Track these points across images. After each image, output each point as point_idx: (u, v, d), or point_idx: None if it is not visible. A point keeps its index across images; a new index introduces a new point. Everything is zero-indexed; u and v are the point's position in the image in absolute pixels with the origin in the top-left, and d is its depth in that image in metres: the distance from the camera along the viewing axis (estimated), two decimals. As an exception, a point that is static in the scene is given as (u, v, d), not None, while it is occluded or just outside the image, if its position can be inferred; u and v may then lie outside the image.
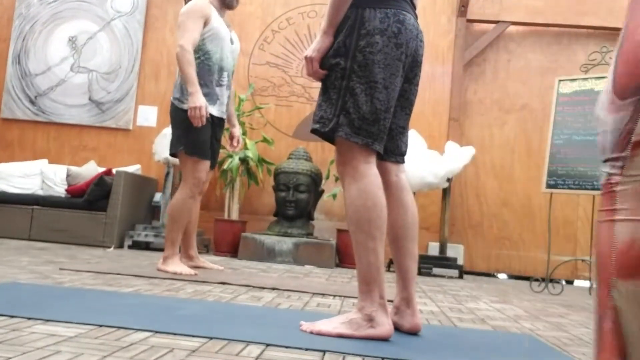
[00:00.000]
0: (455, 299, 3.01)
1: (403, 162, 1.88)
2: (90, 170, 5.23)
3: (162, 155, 4.82)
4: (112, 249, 4.65)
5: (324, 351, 1.41)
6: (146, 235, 4.82)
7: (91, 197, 4.85)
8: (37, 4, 5.86)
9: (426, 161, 4.59)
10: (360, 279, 1.63)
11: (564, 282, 4.56)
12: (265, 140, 5.25)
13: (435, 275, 4.71)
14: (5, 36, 5.90)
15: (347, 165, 1.68)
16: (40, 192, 5.27)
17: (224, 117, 3.28)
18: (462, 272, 4.68)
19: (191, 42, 3.01)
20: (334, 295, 2.64)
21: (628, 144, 0.86)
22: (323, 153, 5.44)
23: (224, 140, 4.01)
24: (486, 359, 1.50)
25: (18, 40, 5.84)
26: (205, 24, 3.09)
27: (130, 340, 1.34)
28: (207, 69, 3.11)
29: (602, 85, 4.10)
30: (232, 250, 4.83)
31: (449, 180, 4.73)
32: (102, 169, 5.27)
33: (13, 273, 2.49)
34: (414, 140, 4.56)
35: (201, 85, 3.03)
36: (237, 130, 3.53)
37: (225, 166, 4.88)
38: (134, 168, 5.38)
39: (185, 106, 3.03)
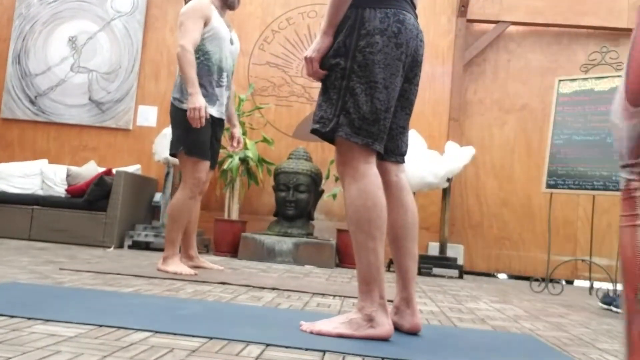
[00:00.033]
0: (455, 299, 3.01)
1: (403, 162, 1.88)
2: (90, 170, 5.23)
3: (162, 155, 4.82)
4: (112, 249, 4.65)
5: (324, 351, 1.41)
6: (146, 235, 4.82)
7: (91, 197, 4.85)
8: (37, 4, 5.87)
9: (426, 161, 4.59)
10: (360, 279, 1.63)
11: (564, 282, 4.56)
12: (265, 140, 5.25)
13: (435, 275, 4.71)
14: (5, 36, 5.91)
15: (347, 165, 1.68)
16: (40, 192, 5.27)
17: (224, 117, 3.28)
18: (462, 272, 4.68)
19: (192, 43, 3.01)
20: (334, 295, 2.64)
21: None
22: (323, 153, 5.44)
23: (224, 140, 4.01)
24: (486, 359, 1.50)
25: (18, 40, 5.84)
26: (206, 24, 3.09)
27: (130, 340, 1.34)
28: (207, 69, 3.10)
29: (602, 85, 4.10)
30: (232, 250, 4.83)
31: (449, 180, 4.73)
32: (102, 169, 5.27)
33: (13, 273, 2.49)
34: (414, 140, 4.56)
35: (201, 85, 3.03)
36: (238, 131, 3.53)
37: (225, 166, 4.88)
38: (134, 168, 5.38)
39: (185, 106, 3.03)
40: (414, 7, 1.79)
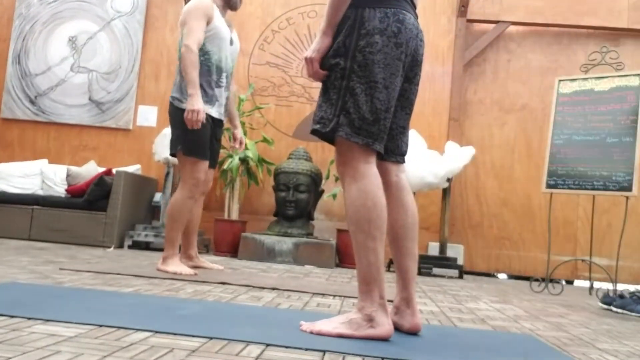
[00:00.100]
0: (455, 299, 3.01)
1: (403, 162, 1.88)
2: (90, 170, 5.23)
3: (162, 155, 4.82)
4: (112, 249, 4.65)
5: (324, 351, 1.41)
6: (146, 235, 4.82)
7: (91, 197, 4.85)
8: (37, 4, 5.87)
9: (426, 161, 4.59)
10: (360, 278, 1.63)
11: (564, 282, 4.56)
12: (265, 140, 5.25)
13: (435, 275, 4.71)
14: (5, 36, 5.91)
15: (347, 166, 1.68)
16: (40, 192, 5.27)
17: (223, 118, 3.28)
18: (462, 272, 4.68)
19: (197, 43, 2.99)
20: (334, 295, 2.64)
21: None
22: (323, 153, 5.44)
23: (224, 140, 4.01)
24: (486, 359, 1.50)
25: (18, 40, 5.84)
26: (208, 23, 3.08)
27: (130, 340, 1.34)
28: (206, 69, 3.10)
29: (602, 85, 4.10)
30: (232, 250, 4.83)
31: (449, 180, 4.73)
32: (102, 169, 5.27)
33: (13, 273, 2.49)
34: (414, 140, 4.56)
35: (200, 85, 3.02)
36: (240, 132, 3.53)
37: (225, 166, 4.88)
38: (134, 168, 5.38)
39: (184, 106, 3.03)
40: (414, 6, 1.79)
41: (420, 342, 1.65)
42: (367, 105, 1.65)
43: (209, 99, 3.10)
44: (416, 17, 1.79)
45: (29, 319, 1.49)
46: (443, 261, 4.69)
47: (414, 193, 4.24)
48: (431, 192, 5.06)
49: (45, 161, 5.56)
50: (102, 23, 5.79)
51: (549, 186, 4.14)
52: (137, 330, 1.45)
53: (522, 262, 5.34)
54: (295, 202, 4.83)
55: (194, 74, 2.95)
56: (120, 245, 4.83)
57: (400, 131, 1.85)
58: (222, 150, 3.95)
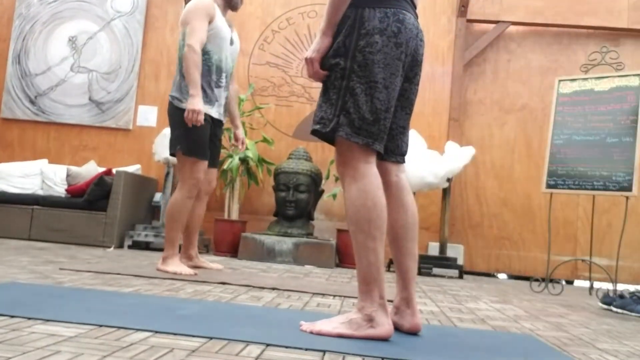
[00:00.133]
0: (455, 299, 3.01)
1: (403, 162, 1.88)
2: (90, 170, 5.23)
3: (162, 155, 4.82)
4: (112, 249, 4.65)
5: (324, 351, 1.41)
6: (146, 235, 4.82)
7: (91, 197, 4.85)
8: (37, 4, 5.87)
9: (426, 161, 4.59)
10: (360, 278, 1.63)
11: (564, 282, 4.55)
12: (265, 140, 5.25)
13: (435, 275, 4.71)
14: (5, 36, 5.91)
15: (347, 166, 1.68)
16: (40, 192, 5.27)
17: (223, 119, 3.28)
18: (462, 272, 4.68)
19: (200, 43, 2.98)
20: (334, 295, 2.64)
21: None
22: (323, 153, 5.44)
23: (224, 140, 4.01)
24: (486, 359, 1.50)
25: (18, 40, 5.84)
26: (209, 23, 3.07)
27: (130, 340, 1.34)
28: (207, 69, 3.09)
29: (602, 85, 4.10)
30: (232, 250, 4.83)
31: (449, 180, 4.73)
32: (102, 169, 5.27)
33: (13, 273, 2.49)
34: (414, 140, 4.56)
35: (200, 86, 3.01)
36: (242, 132, 3.53)
37: (225, 166, 4.88)
38: (134, 168, 5.39)
39: (183, 105, 3.02)
40: (414, 6, 1.79)
41: (420, 342, 1.65)
42: (367, 105, 1.65)
43: (208, 99, 3.10)
44: (416, 16, 1.79)
45: (29, 319, 1.49)
46: (443, 261, 4.69)
47: (414, 193, 4.24)
48: (431, 192, 5.06)
49: (45, 161, 5.56)
50: (102, 23, 5.79)
51: (549, 186, 4.14)
52: (137, 330, 1.45)
53: (522, 262, 5.34)
54: (295, 202, 4.83)
55: (196, 75, 2.94)
56: (120, 245, 4.83)
57: (400, 131, 1.85)
58: (222, 150, 3.95)
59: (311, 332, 1.61)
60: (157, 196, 5.39)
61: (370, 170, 1.66)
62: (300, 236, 4.75)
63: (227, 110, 3.45)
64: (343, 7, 1.67)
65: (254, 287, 2.70)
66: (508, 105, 5.53)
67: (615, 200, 5.07)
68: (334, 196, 4.95)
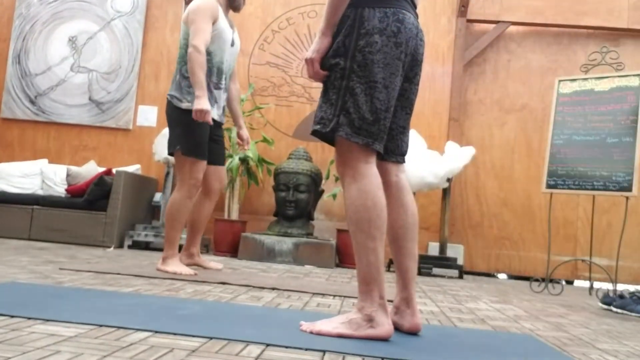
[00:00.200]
0: (455, 299, 3.01)
1: (403, 162, 1.87)
2: (90, 170, 5.23)
3: (162, 155, 4.82)
4: (112, 249, 4.65)
5: (324, 351, 1.41)
6: (146, 235, 4.82)
7: (91, 197, 4.85)
8: (37, 4, 5.87)
9: (426, 161, 4.59)
10: (360, 279, 1.63)
11: (564, 282, 4.55)
12: (265, 140, 5.25)
13: (435, 275, 4.71)
14: (5, 36, 5.91)
15: (347, 166, 1.68)
16: (40, 192, 5.27)
17: (222, 120, 3.28)
18: (462, 272, 4.68)
19: (204, 43, 2.96)
20: (334, 295, 2.64)
21: None
22: (323, 153, 5.44)
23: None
24: (486, 359, 1.50)
25: (18, 40, 5.84)
26: (213, 23, 3.06)
27: (130, 340, 1.34)
28: (207, 71, 3.07)
29: (602, 85, 4.10)
30: (232, 250, 4.83)
31: (449, 180, 4.73)
32: (102, 169, 5.27)
33: (13, 273, 2.49)
34: (414, 140, 4.56)
35: None
36: (245, 132, 3.53)
37: (225, 166, 4.88)
38: (134, 168, 5.39)
39: (183, 105, 3.02)
40: (414, 6, 1.79)
41: (420, 342, 1.65)
42: (367, 105, 1.65)
43: (209, 100, 3.09)
44: (416, 16, 1.79)
45: (29, 319, 1.49)
46: (443, 261, 4.69)
47: (414, 193, 4.24)
48: (431, 192, 5.06)
49: (45, 161, 5.56)
50: (102, 23, 5.79)
51: (549, 186, 4.14)
52: (137, 330, 1.45)
53: (522, 262, 5.34)
54: (295, 202, 4.83)
55: (201, 75, 2.93)
56: (120, 245, 4.83)
57: (400, 131, 1.85)
58: (222, 150, 3.95)
59: (311, 332, 1.61)
60: (157, 196, 5.39)
61: (370, 170, 1.66)
62: (300, 236, 4.75)
63: (230, 110, 3.46)
64: (342, 7, 1.67)
65: (254, 287, 2.70)
66: (508, 105, 5.53)
67: (615, 200, 5.07)
68: (334, 196, 4.95)
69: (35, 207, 4.91)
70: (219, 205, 5.38)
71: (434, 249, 5.11)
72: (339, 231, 4.94)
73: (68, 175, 5.18)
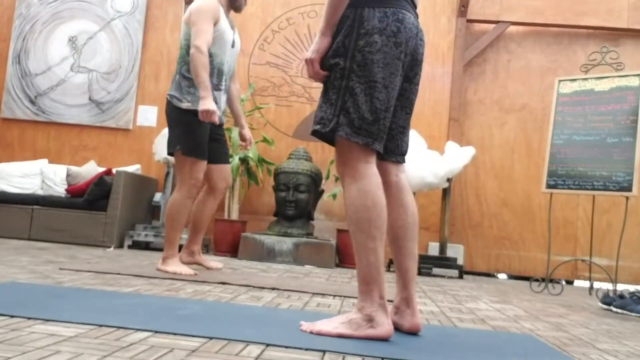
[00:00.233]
0: (455, 299, 3.01)
1: (403, 162, 1.87)
2: (90, 170, 5.23)
3: (162, 155, 4.82)
4: (112, 248, 4.65)
5: (324, 351, 1.41)
6: (146, 235, 4.82)
7: (91, 197, 4.85)
8: (37, 4, 5.87)
9: (426, 161, 4.59)
10: (360, 279, 1.63)
11: (564, 282, 4.55)
12: (265, 140, 5.25)
13: (435, 275, 4.71)
14: (5, 36, 5.90)
15: (347, 165, 1.68)
16: (40, 192, 5.27)
17: (223, 121, 3.28)
18: (462, 272, 4.68)
19: (207, 44, 2.95)
20: (334, 295, 2.64)
21: None
22: (323, 153, 5.44)
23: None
24: (486, 359, 1.50)
25: (18, 40, 5.84)
26: (214, 24, 3.06)
27: (130, 340, 1.34)
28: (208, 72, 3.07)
29: (602, 85, 4.10)
30: (232, 250, 4.83)
31: (449, 180, 4.73)
32: (102, 169, 5.27)
33: (13, 273, 2.49)
34: (414, 140, 4.56)
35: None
36: (248, 131, 3.53)
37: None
38: (134, 168, 5.39)
39: (183, 105, 3.02)
40: (414, 6, 1.79)
41: (420, 342, 1.65)
42: (367, 105, 1.65)
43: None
44: (416, 16, 1.79)
45: (29, 319, 1.49)
46: (443, 261, 4.69)
47: (414, 193, 4.24)
48: (431, 192, 5.06)
49: (45, 161, 5.56)
50: (102, 23, 5.79)
51: (549, 186, 4.14)
52: (137, 330, 1.45)
53: (522, 262, 5.34)
54: (295, 202, 4.83)
55: (204, 76, 2.92)
56: (120, 245, 4.83)
57: (400, 131, 1.85)
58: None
59: (311, 332, 1.61)
60: (157, 196, 5.39)
61: (370, 170, 1.66)
62: (300, 236, 4.75)
63: (231, 110, 3.46)
64: (342, 7, 1.67)
65: (254, 287, 2.70)
66: (508, 105, 5.53)
67: (615, 200, 5.07)
68: (334, 196, 4.95)
69: (35, 207, 4.91)
70: (219, 205, 5.37)
71: (434, 249, 5.11)
72: (339, 231, 4.94)
73: (68, 175, 5.18)
